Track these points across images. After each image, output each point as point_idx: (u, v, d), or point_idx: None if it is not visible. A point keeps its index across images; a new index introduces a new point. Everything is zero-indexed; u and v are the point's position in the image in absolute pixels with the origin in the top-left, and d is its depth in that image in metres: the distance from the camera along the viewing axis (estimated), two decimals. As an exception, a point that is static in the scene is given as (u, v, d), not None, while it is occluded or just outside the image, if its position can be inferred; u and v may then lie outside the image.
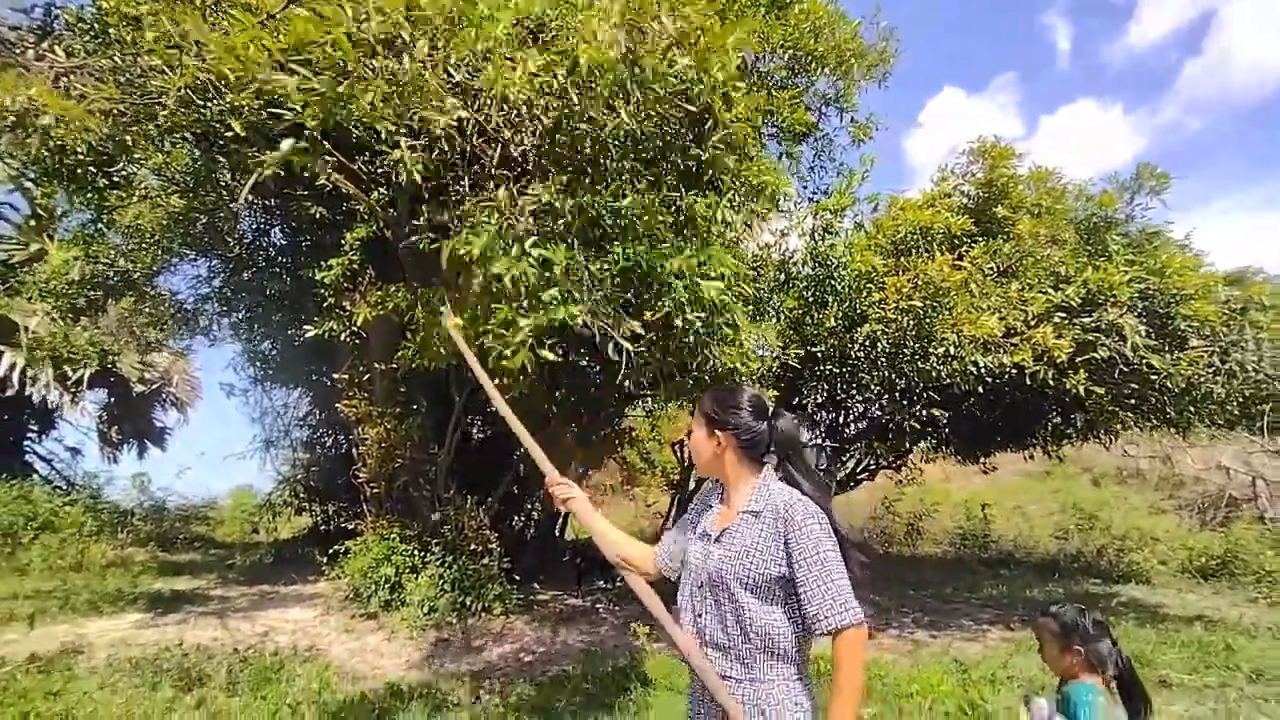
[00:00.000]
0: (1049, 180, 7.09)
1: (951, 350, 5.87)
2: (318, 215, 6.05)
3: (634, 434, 11.90)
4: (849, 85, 6.59)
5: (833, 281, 6.66)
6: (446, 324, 2.39)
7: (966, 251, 6.47)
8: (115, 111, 4.30)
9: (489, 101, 3.49)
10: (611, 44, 3.16)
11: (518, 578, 6.55)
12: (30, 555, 7.85)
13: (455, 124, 3.36)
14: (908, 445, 9.89)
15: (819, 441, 10.44)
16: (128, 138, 4.56)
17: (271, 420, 10.42)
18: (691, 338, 4.05)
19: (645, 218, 3.66)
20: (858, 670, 1.42)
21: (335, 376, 7.19)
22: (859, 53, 6.38)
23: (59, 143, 4.50)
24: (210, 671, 4.47)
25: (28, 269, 10.12)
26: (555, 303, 3.34)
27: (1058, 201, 6.99)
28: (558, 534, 10.60)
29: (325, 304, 6.16)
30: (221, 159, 5.70)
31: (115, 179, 5.72)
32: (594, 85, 3.38)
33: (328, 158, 3.41)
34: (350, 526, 7.16)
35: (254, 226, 7.95)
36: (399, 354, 4.73)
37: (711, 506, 1.71)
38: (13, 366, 9.74)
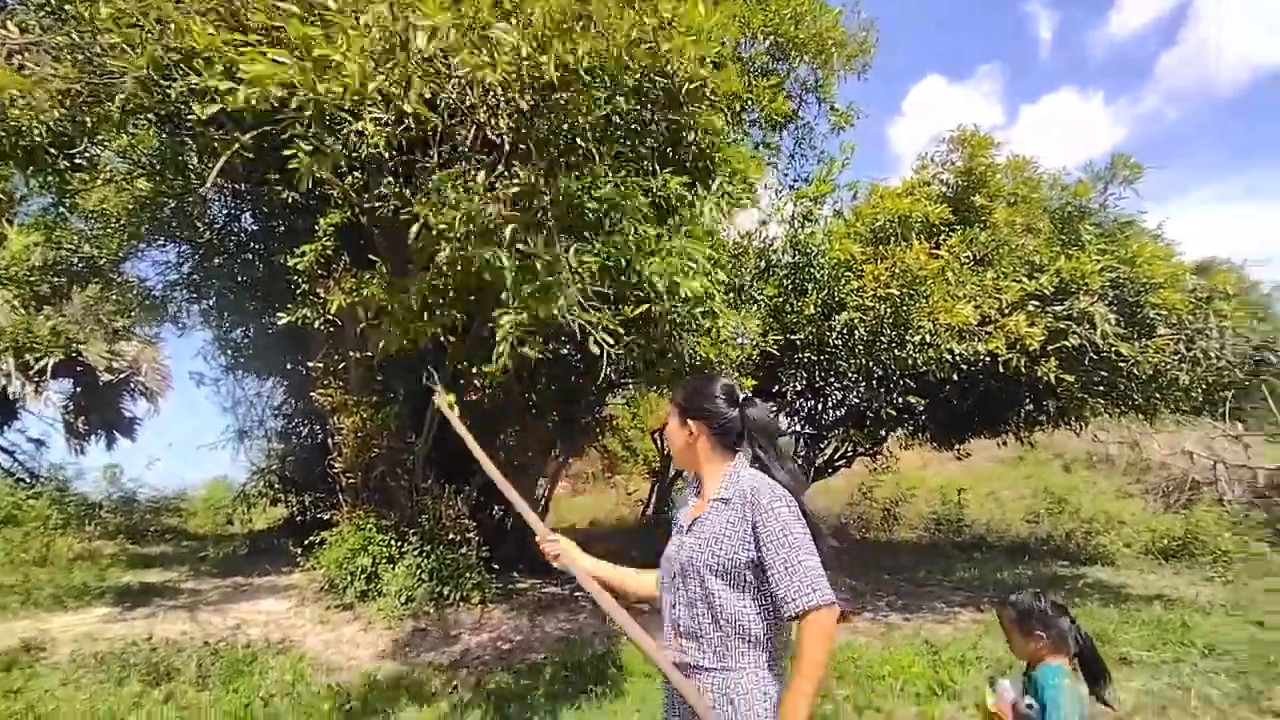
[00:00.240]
0: (1026, 169, 7.18)
1: (928, 338, 5.94)
2: (290, 200, 5.90)
3: (615, 422, 11.92)
4: (828, 74, 6.59)
5: (812, 269, 6.69)
6: (438, 402, 2.39)
7: (944, 240, 6.53)
8: (73, 91, 4.14)
9: (461, 82, 3.43)
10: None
11: (496, 567, 6.53)
12: (-10, 550, 7.63)
13: (425, 100, 3.29)
14: (884, 432, 10.04)
15: (797, 429, 10.55)
16: (88, 119, 4.40)
17: (244, 410, 10.24)
18: (670, 328, 4.06)
19: (624, 204, 3.63)
20: (820, 653, 1.37)
21: (310, 365, 7.06)
22: (839, 42, 6.37)
23: (15, 123, 4.32)
24: (180, 665, 4.39)
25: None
26: (536, 298, 3.33)
27: (1034, 191, 7.09)
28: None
29: (299, 291, 6.04)
30: (189, 141, 5.54)
31: (77, 162, 5.52)
32: (574, 67, 3.32)
33: (299, 140, 3.31)
34: (326, 517, 7.06)
35: (224, 211, 7.75)
36: (375, 340, 4.66)
37: (689, 501, 1.72)
38: (-29, 356, 9.41)
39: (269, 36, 3.21)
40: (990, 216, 6.68)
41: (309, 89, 2.92)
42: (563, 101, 3.63)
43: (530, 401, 7.42)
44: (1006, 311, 6.20)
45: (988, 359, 6.11)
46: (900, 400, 7.20)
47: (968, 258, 6.51)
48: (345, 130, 3.29)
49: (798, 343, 6.79)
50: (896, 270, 5.99)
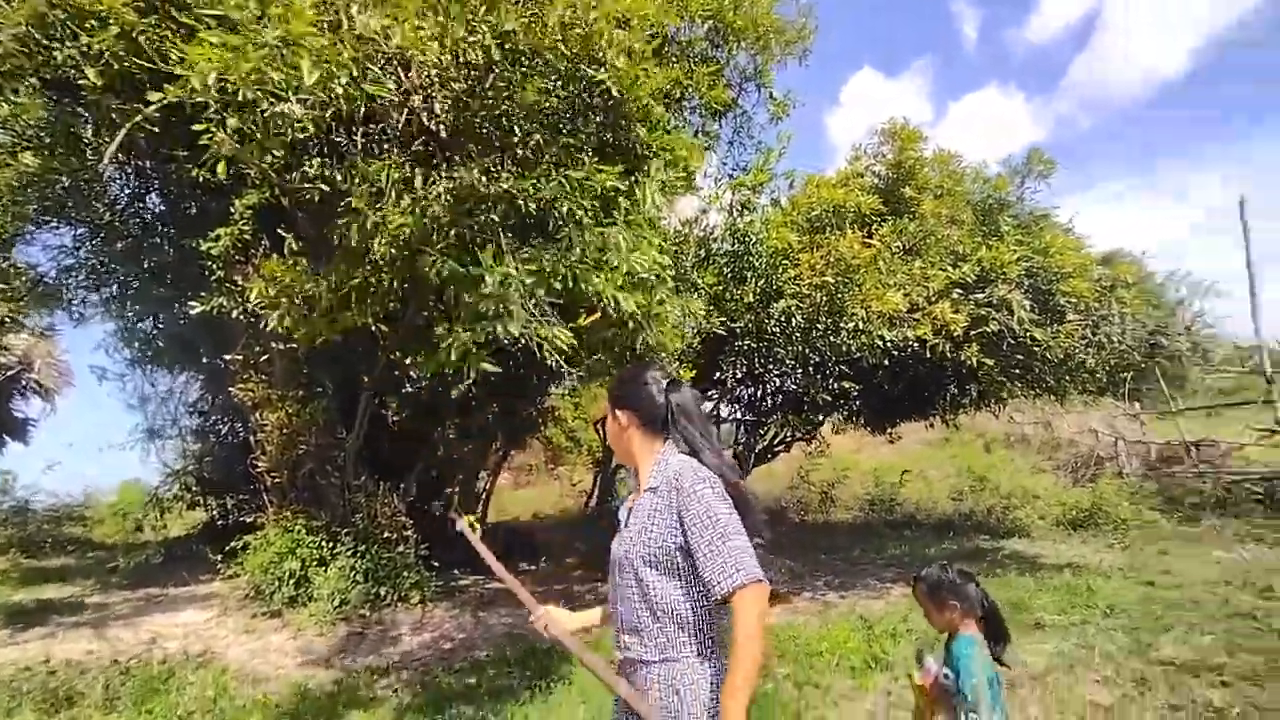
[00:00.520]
0: (951, 163, 7.50)
1: (861, 325, 6.13)
2: (201, 179, 5.47)
3: (557, 413, 11.79)
4: (766, 60, 6.63)
5: (750, 258, 6.77)
6: (460, 526, 2.32)
7: (876, 230, 6.74)
8: (-64, 51, 3.68)
9: (395, 62, 3.26)
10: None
11: (436, 564, 6.34)
12: None
13: (355, 80, 3.10)
14: (821, 417, 10.35)
15: (738, 415, 10.74)
16: (-43, 84, 3.92)
17: (155, 407, 9.51)
18: (617, 330, 4.04)
19: (567, 202, 3.55)
20: (752, 631, 1.32)
21: (228, 358, 6.61)
22: (776, 28, 6.41)
23: None
24: (83, 689, 4.02)
25: None
26: (488, 318, 3.26)
27: (958, 184, 7.41)
28: (478, 516, 10.36)
29: (213, 278, 5.62)
30: (82, 112, 5.03)
31: (-54, 133, 4.93)
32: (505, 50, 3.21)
33: (215, 122, 3.05)
34: (250, 520, 6.66)
35: (127, 190, 7.10)
36: (301, 331, 4.39)
37: (631, 494, 1.70)
38: None
39: (197, 20, 2.97)
40: (919, 208, 6.94)
41: (256, 79, 2.71)
42: (500, 85, 3.51)
43: (469, 393, 7.20)
44: (933, 299, 6.47)
45: (916, 345, 6.36)
46: (835, 386, 7.42)
47: (898, 247, 6.74)
48: (269, 112, 3.06)
49: (738, 330, 6.88)
50: (831, 259, 6.14)
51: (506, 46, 3.35)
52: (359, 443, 6.41)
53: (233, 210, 5.31)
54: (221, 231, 5.39)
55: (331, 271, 4.01)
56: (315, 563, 5.85)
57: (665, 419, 1.60)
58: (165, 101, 2.88)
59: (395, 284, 4.06)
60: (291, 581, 5.72)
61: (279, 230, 5.32)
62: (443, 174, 3.49)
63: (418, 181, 3.29)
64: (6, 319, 8.68)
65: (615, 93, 3.65)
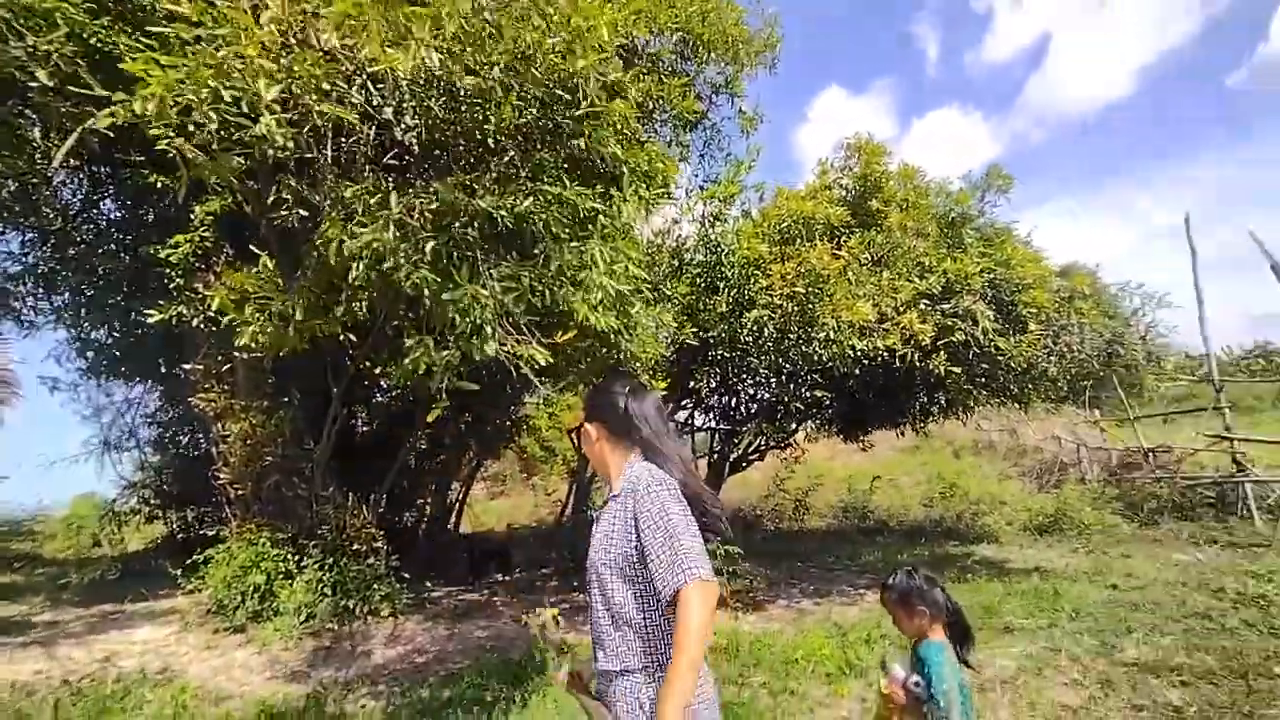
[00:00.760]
0: (915, 178, 7.68)
1: (831, 335, 6.22)
2: (159, 185, 5.34)
3: (531, 422, 11.70)
4: (737, 71, 6.73)
5: (723, 268, 6.84)
6: (544, 616, 2.25)
7: (844, 241, 6.87)
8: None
9: (365, 78, 3.22)
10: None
11: (408, 576, 6.22)
12: None
13: (326, 95, 3.06)
14: (794, 425, 10.46)
15: (713, 425, 10.79)
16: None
17: (111, 418, 9.19)
18: (592, 345, 4.05)
19: (543, 219, 3.55)
20: (694, 628, 1.28)
21: (188, 367, 6.42)
22: (744, 39, 6.51)
23: None
24: (30, 710, 3.85)
25: None
26: (465, 338, 3.24)
27: (922, 197, 7.59)
28: (451, 528, 10.21)
29: (172, 286, 5.47)
30: (30, 113, 4.87)
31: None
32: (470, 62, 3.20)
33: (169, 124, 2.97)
34: (213, 533, 6.46)
35: (79, 195, 6.89)
36: (265, 341, 4.29)
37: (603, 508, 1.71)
38: None
39: (146, 35, 2.90)
40: (885, 220, 7.09)
41: (211, 100, 2.66)
42: (476, 106, 3.51)
43: (441, 400, 7.10)
44: (901, 309, 6.61)
45: (886, 354, 6.48)
46: (808, 394, 7.51)
47: (866, 258, 6.87)
48: (237, 136, 3.01)
49: (711, 340, 6.93)
50: (802, 270, 6.24)
51: (483, 75, 3.34)
52: (327, 454, 6.28)
53: (193, 216, 5.19)
54: (181, 239, 5.27)
55: (300, 286, 3.93)
56: (281, 576, 5.69)
57: (628, 429, 1.62)
58: (114, 122, 2.80)
59: (366, 294, 4.00)
60: (256, 595, 5.55)
61: (244, 237, 5.23)
62: (418, 190, 3.46)
63: (393, 199, 3.25)
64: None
65: (590, 116, 3.65)
